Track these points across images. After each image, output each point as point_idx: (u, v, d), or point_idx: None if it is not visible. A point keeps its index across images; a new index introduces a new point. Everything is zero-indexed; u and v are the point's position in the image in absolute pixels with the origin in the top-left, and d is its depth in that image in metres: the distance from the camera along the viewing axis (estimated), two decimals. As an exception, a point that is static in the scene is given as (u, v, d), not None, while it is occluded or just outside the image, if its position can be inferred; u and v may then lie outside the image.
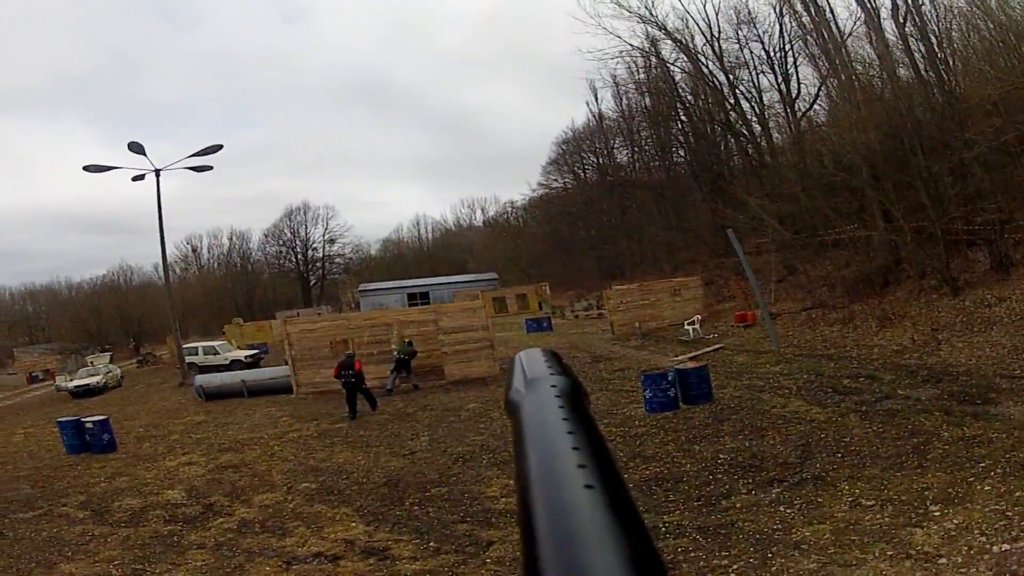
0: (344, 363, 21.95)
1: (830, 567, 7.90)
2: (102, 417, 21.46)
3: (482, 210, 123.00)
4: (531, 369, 0.86)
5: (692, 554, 8.73)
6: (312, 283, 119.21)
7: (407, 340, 26.11)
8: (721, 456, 12.43)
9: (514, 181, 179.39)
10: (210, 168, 42.66)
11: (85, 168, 41.09)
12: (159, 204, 41.45)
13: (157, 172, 40.93)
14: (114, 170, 41.07)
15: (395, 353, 25.47)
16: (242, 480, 15.57)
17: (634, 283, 44.96)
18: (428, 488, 13.29)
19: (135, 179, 41.62)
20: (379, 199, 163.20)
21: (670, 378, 16.58)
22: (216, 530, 12.42)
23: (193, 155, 41.41)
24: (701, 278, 43.91)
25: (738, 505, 10.10)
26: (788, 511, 9.68)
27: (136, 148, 39.20)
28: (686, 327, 31.92)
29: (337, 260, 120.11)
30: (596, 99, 78.67)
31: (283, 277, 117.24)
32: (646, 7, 54.51)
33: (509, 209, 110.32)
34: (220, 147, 41.46)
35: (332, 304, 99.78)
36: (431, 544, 10.53)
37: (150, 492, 15.34)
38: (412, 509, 12.27)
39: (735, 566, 8.23)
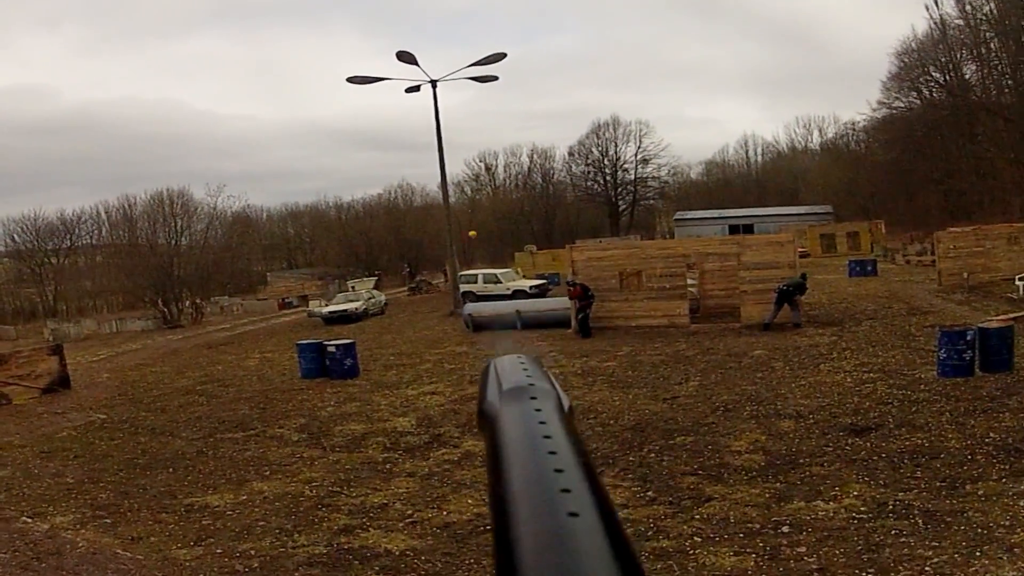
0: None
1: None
2: (348, 341, 23.43)
3: (819, 131, 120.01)
4: (507, 378, 0.86)
5: (901, 539, 8.64)
6: (622, 209, 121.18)
7: (803, 272, 26.34)
8: (991, 435, 11.98)
9: (855, 99, 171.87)
10: (495, 78, 44.61)
11: (349, 80, 44.17)
12: (436, 117, 44.44)
13: (433, 83, 43.53)
14: (387, 82, 44.11)
15: (780, 285, 25.44)
16: (483, 412, 16.45)
17: (972, 227, 42.31)
18: (674, 436, 13.58)
19: (409, 91, 44.65)
20: (702, 116, 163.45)
21: (968, 338, 16.02)
22: (435, 461, 13.36)
23: (473, 64, 43.43)
24: (1047, 224, 40.48)
25: (980, 492, 9.82)
26: (1025, 506, 9.37)
27: (406, 58, 41.52)
28: (1016, 282, 30.16)
29: (651, 183, 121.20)
30: (936, 2, 72.88)
31: (589, 201, 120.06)
32: None
33: (849, 131, 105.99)
34: (503, 56, 43.07)
35: (644, 233, 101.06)
36: (648, 494, 10.82)
37: (379, 419, 16.78)
38: (648, 456, 12.59)
39: (937, 559, 8.10)
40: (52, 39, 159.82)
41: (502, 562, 0.58)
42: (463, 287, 44.62)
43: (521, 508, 0.61)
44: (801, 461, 11.44)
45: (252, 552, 9.86)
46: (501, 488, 0.65)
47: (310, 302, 56.19)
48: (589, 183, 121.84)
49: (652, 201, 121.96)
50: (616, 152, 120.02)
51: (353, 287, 56.90)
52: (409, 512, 10.84)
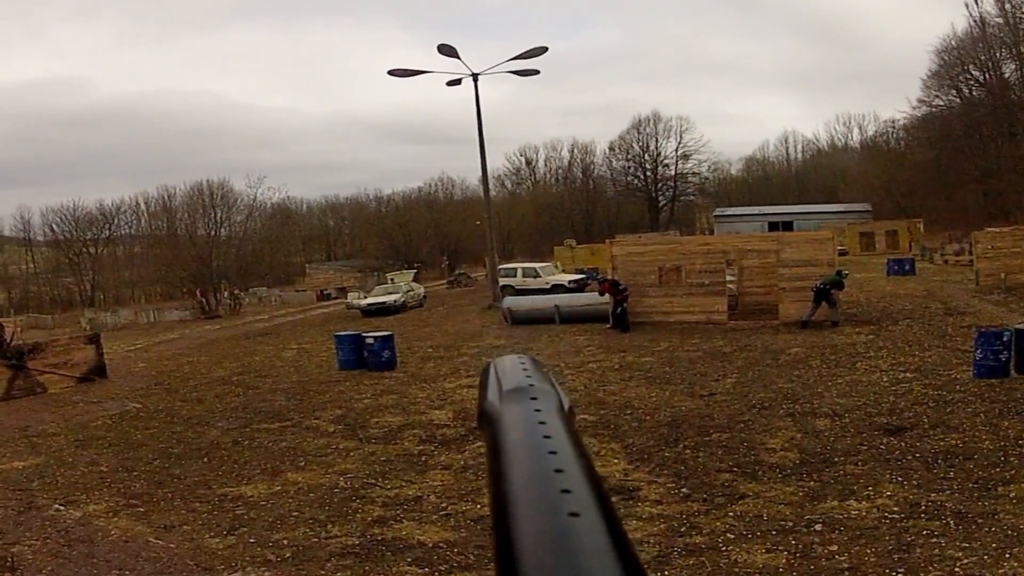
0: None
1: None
2: (386, 333, 23.59)
3: (859, 129, 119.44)
4: (507, 379, 0.85)
5: (932, 539, 8.66)
6: (661, 204, 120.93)
7: (839, 270, 26.19)
8: (1024, 437, 11.94)
9: (896, 96, 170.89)
10: (536, 72, 44.65)
11: (390, 72, 44.44)
12: (478, 110, 44.55)
13: (475, 76, 43.63)
14: (428, 75, 44.35)
15: (819, 283, 25.34)
16: (520, 406, 16.55)
17: (1011, 227, 41.80)
18: (710, 432, 13.62)
19: (450, 84, 44.90)
20: (743, 112, 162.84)
21: (1005, 339, 15.96)
22: (470, 453, 13.42)
23: (514, 58, 43.40)
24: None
25: (1012, 494, 9.78)
26: (1057, 508, 9.32)
27: (447, 51, 41.61)
28: None
29: (691, 179, 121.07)
30: (976, 0, 72.50)
31: (629, 196, 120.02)
32: None
33: (889, 129, 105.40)
34: (545, 49, 42.93)
35: (684, 229, 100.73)
36: (683, 490, 10.86)
37: (415, 412, 16.92)
38: (683, 452, 12.63)
39: (966, 560, 8.11)
40: (90, 31, 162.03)
41: (503, 562, 0.58)
42: (502, 281, 44.91)
43: (521, 508, 0.61)
44: (835, 460, 11.44)
45: (285, 542, 9.98)
46: (502, 488, 0.65)
47: (348, 294, 56.45)
48: (629, 178, 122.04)
49: (692, 197, 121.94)
50: (656, 147, 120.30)
51: (392, 279, 57.04)
52: (443, 505, 10.92)
